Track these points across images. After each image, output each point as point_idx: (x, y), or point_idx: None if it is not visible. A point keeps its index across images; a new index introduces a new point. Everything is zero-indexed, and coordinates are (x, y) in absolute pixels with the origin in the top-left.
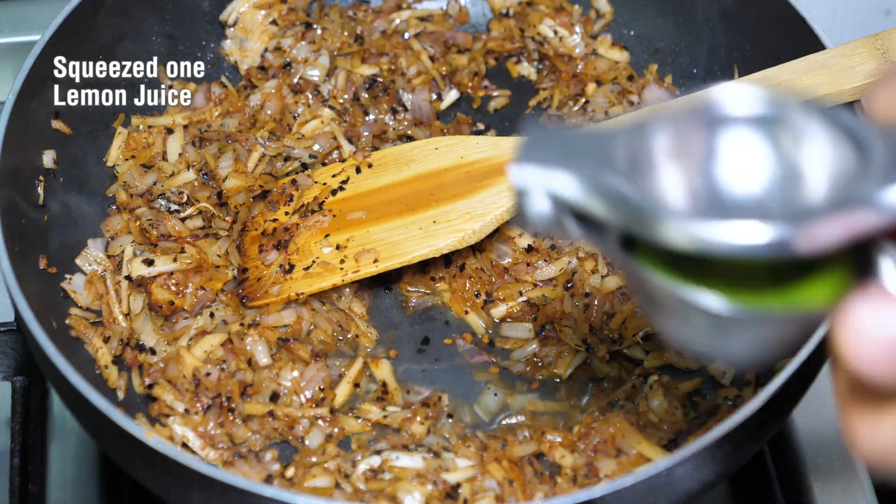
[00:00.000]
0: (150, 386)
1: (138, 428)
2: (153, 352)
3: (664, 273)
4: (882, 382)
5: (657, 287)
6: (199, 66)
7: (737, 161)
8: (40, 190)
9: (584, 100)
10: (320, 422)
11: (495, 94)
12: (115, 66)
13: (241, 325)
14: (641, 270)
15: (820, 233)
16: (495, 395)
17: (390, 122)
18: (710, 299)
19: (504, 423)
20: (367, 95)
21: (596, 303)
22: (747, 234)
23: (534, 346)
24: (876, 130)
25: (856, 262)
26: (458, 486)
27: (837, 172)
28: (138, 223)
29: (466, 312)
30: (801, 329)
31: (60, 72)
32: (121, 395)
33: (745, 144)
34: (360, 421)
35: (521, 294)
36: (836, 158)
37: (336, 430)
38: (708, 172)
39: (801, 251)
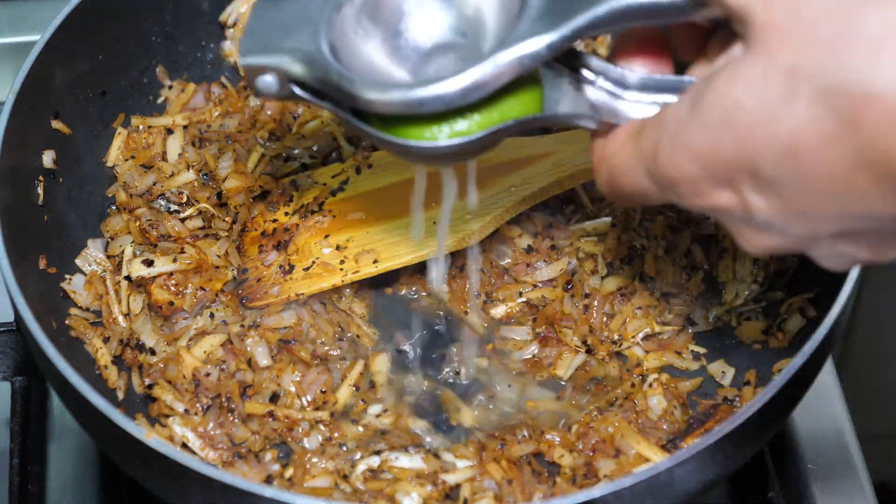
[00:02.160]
0: (150, 386)
1: (138, 428)
2: (153, 352)
3: (385, 128)
4: None
5: (380, 139)
6: (199, 66)
7: (424, 20)
8: (40, 190)
9: None
10: (321, 426)
11: None
12: (114, 66)
13: (242, 326)
14: (365, 128)
15: (495, 74)
16: (500, 384)
17: None
18: (422, 142)
19: (503, 422)
20: None
21: (596, 303)
22: (433, 94)
23: (533, 347)
24: None
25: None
26: (458, 486)
27: (504, 20)
28: (138, 223)
29: (466, 313)
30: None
31: (60, 72)
32: (121, 395)
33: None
34: (359, 427)
35: (520, 295)
36: (503, 9)
37: (336, 434)
38: (401, 34)
39: (486, 92)
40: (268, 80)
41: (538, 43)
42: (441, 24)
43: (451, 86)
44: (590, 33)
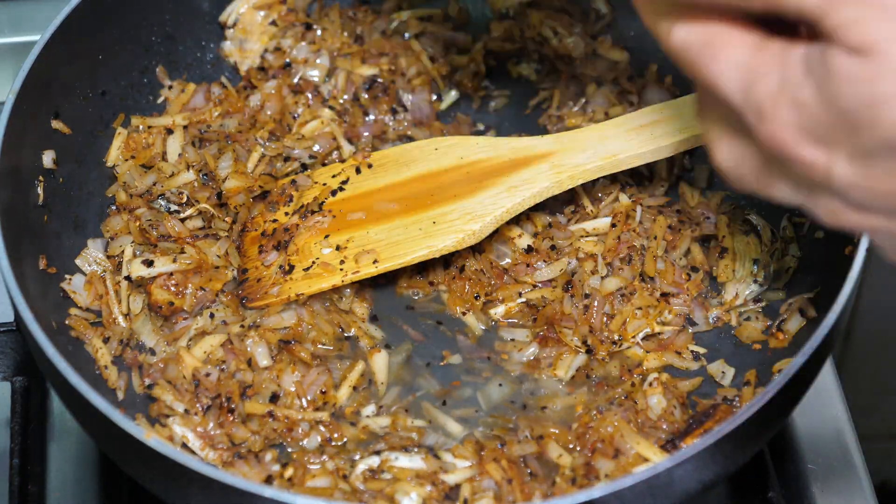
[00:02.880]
0: (150, 386)
1: (138, 428)
2: (153, 352)
3: None
4: None
5: None
6: (199, 66)
7: None
8: (40, 190)
9: (583, 100)
10: (320, 426)
11: (495, 94)
12: (114, 66)
13: (242, 326)
14: None
15: None
16: (500, 385)
17: (390, 123)
18: None
19: (501, 420)
20: (366, 96)
21: (596, 303)
22: None
23: (533, 347)
24: None
25: None
26: (458, 486)
27: None
28: (138, 223)
29: (464, 314)
30: None
31: (60, 72)
32: (120, 395)
33: None
34: (358, 427)
35: (520, 295)
36: None
37: (336, 434)
38: None
39: None
40: None
41: None
42: None
43: None
44: None
